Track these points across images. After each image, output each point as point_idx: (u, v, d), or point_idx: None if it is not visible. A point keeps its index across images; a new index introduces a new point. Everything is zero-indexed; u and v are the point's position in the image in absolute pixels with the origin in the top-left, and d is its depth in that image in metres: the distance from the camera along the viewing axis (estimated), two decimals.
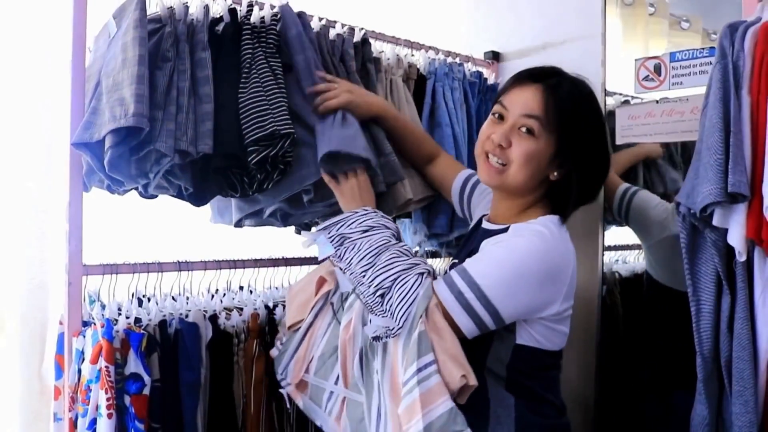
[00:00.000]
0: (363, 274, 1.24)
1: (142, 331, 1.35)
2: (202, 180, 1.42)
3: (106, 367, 1.27)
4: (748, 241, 1.23)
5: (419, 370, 1.13)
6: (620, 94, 1.95)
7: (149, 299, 1.50)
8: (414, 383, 1.12)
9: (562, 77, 1.33)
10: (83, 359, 1.33)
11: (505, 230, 1.30)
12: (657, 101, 1.66)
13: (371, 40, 1.70)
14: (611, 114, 1.81)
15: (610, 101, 1.93)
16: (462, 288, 1.19)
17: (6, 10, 1.54)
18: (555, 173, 1.31)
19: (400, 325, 1.17)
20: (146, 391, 1.32)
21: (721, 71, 1.26)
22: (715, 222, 1.25)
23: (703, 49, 1.59)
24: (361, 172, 1.45)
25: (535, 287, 1.21)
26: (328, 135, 1.43)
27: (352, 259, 1.28)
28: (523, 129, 1.29)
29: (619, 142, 1.74)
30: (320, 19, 1.60)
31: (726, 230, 1.25)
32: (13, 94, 1.55)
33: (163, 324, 1.42)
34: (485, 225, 1.40)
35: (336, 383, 1.31)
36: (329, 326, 1.35)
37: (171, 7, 1.38)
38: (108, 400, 1.27)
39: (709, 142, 1.25)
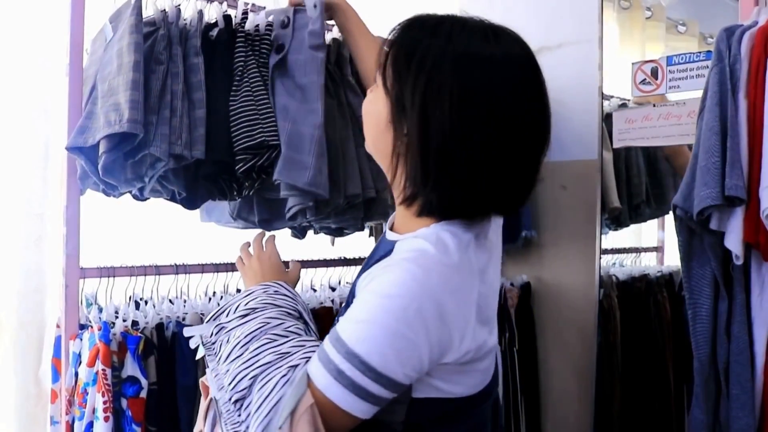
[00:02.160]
0: (225, 373, 0.94)
1: (139, 334, 1.35)
2: (193, 185, 1.42)
3: (103, 370, 1.27)
4: (745, 244, 1.24)
5: None
6: (617, 98, 1.95)
7: (146, 302, 1.50)
8: None
9: (430, 23, 0.96)
10: (80, 362, 1.33)
11: (390, 251, 0.96)
12: (654, 105, 1.67)
13: None
14: (608, 117, 1.81)
15: (607, 105, 1.94)
16: (340, 364, 0.87)
17: (3, 11, 1.54)
18: (398, 143, 0.95)
19: None
20: (143, 394, 1.32)
21: (718, 75, 1.27)
22: (713, 225, 1.26)
23: (699, 52, 1.59)
24: (269, 244, 1.26)
25: (431, 332, 0.88)
26: (300, 163, 1.37)
27: (222, 355, 0.98)
28: None
29: (615, 145, 1.74)
30: None
31: (723, 234, 1.25)
32: (9, 96, 1.54)
33: (160, 327, 1.42)
34: (387, 233, 1.07)
35: None
36: None
37: (164, 10, 1.38)
38: (105, 403, 1.27)
39: (706, 146, 1.25)
